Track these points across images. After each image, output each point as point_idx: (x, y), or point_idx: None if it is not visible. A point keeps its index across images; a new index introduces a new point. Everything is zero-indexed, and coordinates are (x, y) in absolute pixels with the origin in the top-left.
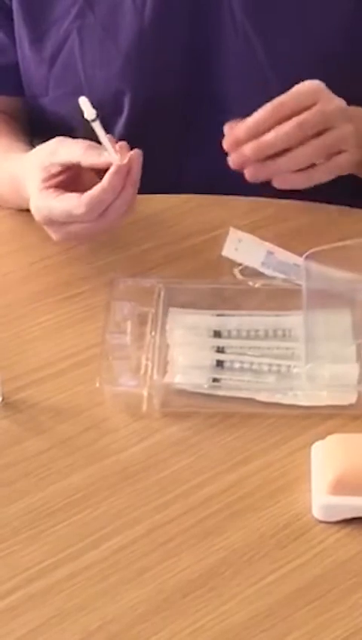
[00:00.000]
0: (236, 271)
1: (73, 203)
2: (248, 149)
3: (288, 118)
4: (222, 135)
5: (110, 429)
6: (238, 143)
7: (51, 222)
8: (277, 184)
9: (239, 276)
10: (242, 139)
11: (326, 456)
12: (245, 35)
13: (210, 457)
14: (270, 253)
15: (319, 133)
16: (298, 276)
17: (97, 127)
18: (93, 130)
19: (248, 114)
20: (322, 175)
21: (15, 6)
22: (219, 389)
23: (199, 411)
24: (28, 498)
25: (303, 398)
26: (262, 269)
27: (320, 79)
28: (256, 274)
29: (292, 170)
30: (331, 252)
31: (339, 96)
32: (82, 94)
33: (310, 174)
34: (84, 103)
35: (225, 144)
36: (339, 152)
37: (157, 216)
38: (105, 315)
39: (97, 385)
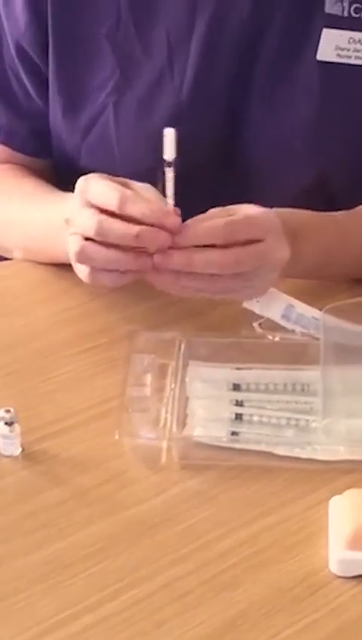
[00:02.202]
0: (255, 324)
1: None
2: (177, 258)
3: (231, 243)
4: (250, 202)
5: (129, 481)
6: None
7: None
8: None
9: (258, 330)
10: (180, 242)
11: (344, 511)
12: (271, 105)
13: (227, 510)
14: (290, 306)
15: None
16: (317, 330)
17: (170, 172)
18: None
19: (277, 183)
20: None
21: (51, 75)
22: (238, 442)
23: (218, 464)
24: (46, 549)
25: (321, 452)
26: (281, 322)
27: (344, 145)
28: (275, 328)
29: (205, 291)
30: (350, 307)
31: (354, 167)
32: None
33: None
34: (169, 137)
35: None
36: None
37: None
38: (125, 367)
39: (117, 437)
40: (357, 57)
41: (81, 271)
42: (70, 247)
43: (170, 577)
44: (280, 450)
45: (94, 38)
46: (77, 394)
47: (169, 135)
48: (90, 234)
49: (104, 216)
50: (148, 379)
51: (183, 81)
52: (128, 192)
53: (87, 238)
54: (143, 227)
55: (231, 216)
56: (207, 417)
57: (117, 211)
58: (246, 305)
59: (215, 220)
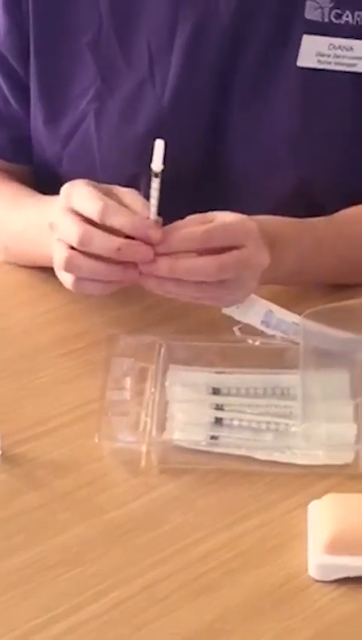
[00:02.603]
0: (236, 329)
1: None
2: (160, 265)
3: (211, 250)
4: (233, 209)
5: (108, 485)
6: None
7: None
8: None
9: (238, 334)
10: (157, 250)
11: (323, 516)
12: (252, 113)
13: (207, 514)
14: (269, 311)
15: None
16: (296, 335)
17: (157, 183)
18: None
19: (259, 190)
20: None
21: (33, 82)
22: (217, 446)
23: (197, 468)
24: (25, 552)
25: (300, 456)
26: (261, 328)
27: (325, 152)
28: (255, 332)
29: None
30: (330, 311)
31: (342, 171)
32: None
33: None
34: (159, 149)
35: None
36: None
37: None
38: (105, 370)
39: (96, 440)
40: (337, 63)
41: (66, 279)
42: (55, 253)
43: (150, 580)
44: (260, 455)
45: (76, 47)
46: (57, 397)
47: (159, 146)
48: (74, 243)
49: (88, 227)
50: (128, 382)
51: (165, 90)
52: (110, 202)
53: (72, 247)
54: (124, 241)
55: (209, 224)
56: (186, 421)
57: (98, 222)
58: (225, 311)
59: (193, 227)
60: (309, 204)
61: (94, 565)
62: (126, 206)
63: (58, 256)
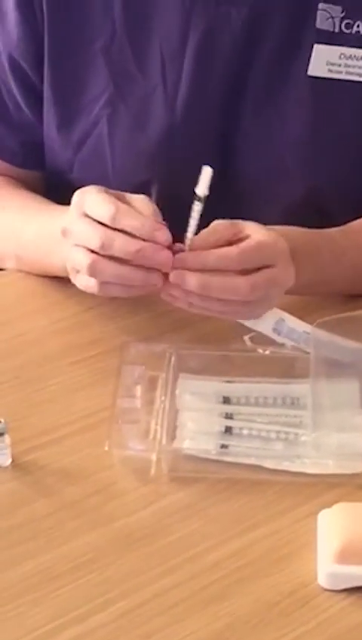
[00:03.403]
0: (246, 338)
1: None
2: (194, 281)
3: (244, 270)
4: (242, 216)
5: (118, 493)
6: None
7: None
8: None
9: (249, 343)
10: (190, 266)
11: (333, 525)
12: (263, 121)
13: (216, 523)
14: (281, 320)
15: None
16: (307, 344)
17: (199, 206)
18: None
19: (268, 197)
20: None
21: (46, 88)
22: (227, 455)
23: (207, 477)
24: (35, 560)
25: (310, 466)
26: (272, 336)
27: (335, 160)
28: (266, 341)
29: (209, 310)
30: (341, 321)
31: (352, 180)
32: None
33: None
34: (206, 175)
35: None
36: None
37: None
38: (116, 378)
39: (106, 448)
40: (347, 72)
41: (89, 283)
42: (74, 258)
43: (159, 589)
44: (270, 464)
45: (89, 52)
46: (67, 405)
47: (206, 172)
48: (95, 246)
49: (108, 230)
50: (139, 391)
51: (177, 96)
52: (122, 205)
53: (92, 251)
54: (144, 243)
55: (243, 244)
56: (196, 430)
57: (110, 225)
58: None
59: (230, 248)
60: (319, 212)
61: (103, 573)
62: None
63: (79, 262)
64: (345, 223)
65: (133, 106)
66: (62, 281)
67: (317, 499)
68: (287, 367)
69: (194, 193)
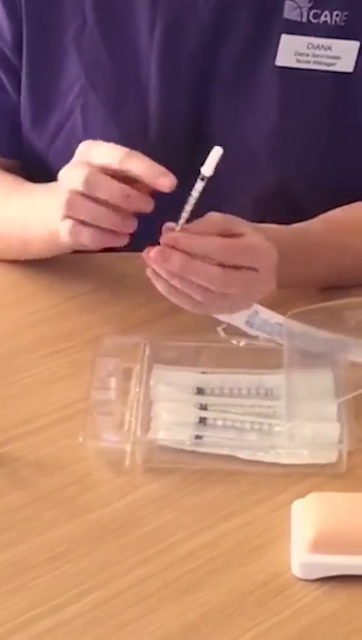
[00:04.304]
0: (219, 329)
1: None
2: (175, 260)
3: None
4: (211, 205)
5: (93, 484)
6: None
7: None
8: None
9: (222, 334)
10: (177, 245)
11: (306, 515)
12: (231, 112)
13: (190, 514)
14: (255, 312)
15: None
16: (280, 336)
17: (201, 185)
18: None
19: (237, 188)
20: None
21: (24, 77)
22: (202, 445)
23: (181, 468)
24: (10, 551)
25: (284, 456)
26: (245, 328)
27: (304, 151)
28: (240, 332)
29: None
30: (313, 312)
31: (321, 171)
32: None
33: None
34: (215, 155)
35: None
36: None
37: (143, 274)
38: (91, 370)
39: (81, 440)
40: (316, 62)
41: (64, 225)
42: (60, 201)
43: (133, 580)
44: (244, 454)
45: (63, 41)
46: (42, 397)
47: (215, 153)
48: (78, 186)
49: (95, 171)
50: (113, 382)
51: (148, 87)
52: (132, 150)
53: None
54: (134, 191)
55: (234, 239)
56: (170, 421)
57: (117, 165)
58: None
59: (217, 238)
60: (288, 203)
61: (78, 564)
62: None
63: (60, 202)
64: (315, 214)
65: (105, 97)
66: (35, 272)
67: (291, 489)
68: (261, 358)
69: (200, 172)
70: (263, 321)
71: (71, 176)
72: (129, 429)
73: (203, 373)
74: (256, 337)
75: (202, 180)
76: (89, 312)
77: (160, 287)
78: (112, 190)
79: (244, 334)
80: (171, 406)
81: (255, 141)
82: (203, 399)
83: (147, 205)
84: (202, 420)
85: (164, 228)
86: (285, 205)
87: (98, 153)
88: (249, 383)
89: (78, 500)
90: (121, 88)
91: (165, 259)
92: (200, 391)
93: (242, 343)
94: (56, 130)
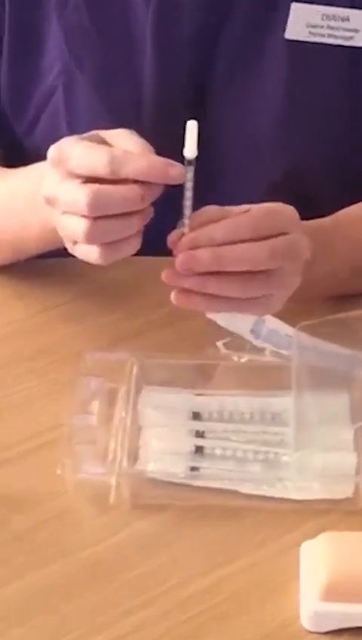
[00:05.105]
0: (219, 344)
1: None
2: (205, 256)
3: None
4: (216, 199)
5: (73, 523)
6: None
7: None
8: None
9: (223, 350)
10: (199, 244)
11: (318, 558)
12: (235, 92)
13: (186, 557)
14: (260, 320)
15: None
16: (289, 349)
17: (190, 171)
18: None
19: (242, 181)
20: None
21: (5, 49)
22: (198, 478)
23: (175, 504)
24: None
25: (293, 490)
26: (250, 338)
27: (315, 137)
28: (242, 347)
29: (229, 294)
30: (328, 324)
31: (335, 158)
32: None
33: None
34: (192, 132)
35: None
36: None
37: (132, 281)
38: (70, 392)
39: (59, 472)
40: (331, 35)
41: (91, 252)
42: (66, 228)
43: (122, 631)
44: (246, 488)
45: (45, 8)
46: (15, 423)
47: (191, 128)
48: (84, 209)
49: (97, 186)
50: (96, 406)
51: (142, 62)
52: (115, 149)
53: (84, 216)
54: (144, 186)
55: (253, 210)
56: (162, 450)
57: (108, 176)
58: (210, 316)
59: (236, 217)
60: (299, 198)
61: (57, 614)
62: None
63: (74, 230)
64: (328, 211)
65: (92, 76)
66: (7, 279)
67: (300, 528)
68: (267, 377)
69: (183, 157)
70: (270, 331)
71: (69, 194)
72: (114, 459)
73: (199, 395)
74: (260, 353)
75: (190, 164)
76: (67, 326)
77: (197, 304)
78: (126, 200)
79: (248, 350)
80: (163, 433)
81: (261, 125)
82: (199, 425)
83: (159, 193)
84: (198, 449)
85: (170, 241)
86: (295, 201)
87: (76, 161)
88: (252, 407)
89: (55, 540)
90: (111, 66)
91: (190, 261)
92: (196, 416)
93: (245, 360)
94: (37, 113)
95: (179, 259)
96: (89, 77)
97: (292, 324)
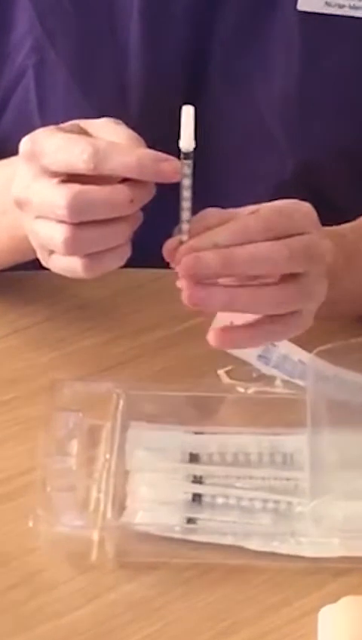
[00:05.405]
0: (221, 372)
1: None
2: (211, 257)
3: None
4: (217, 202)
5: (48, 585)
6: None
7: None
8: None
9: (226, 379)
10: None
11: (339, 625)
12: (239, 74)
13: (182, 625)
14: (271, 344)
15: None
16: (304, 378)
17: (187, 166)
18: None
19: (248, 177)
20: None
21: None
22: (196, 532)
23: (169, 562)
24: None
25: (309, 546)
26: (258, 364)
27: (332, 126)
28: (248, 376)
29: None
30: (348, 349)
31: (354, 151)
32: None
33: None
34: (187, 119)
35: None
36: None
37: (117, 297)
38: (45, 429)
39: (31, 525)
40: (351, 7)
41: (72, 264)
42: (40, 235)
43: None
44: (254, 544)
45: None
46: None
47: (186, 115)
48: (62, 214)
49: (76, 186)
50: (75, 446)
51: (128, 44)
52: (99, 141)
53: (63, 221)
54: (132, 187)
55: (262, 208)
56: (153, 498)
57: (90, 172)
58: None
59: (240, 218)
60: (315, 196)
61: None
62: None
63: (51, 238)
64: (350, 211)
65: (68, 55)
66: None
67: (317, 591)
68: (277, 412)
69: (179, 150)
70: (282, 356)
71: (46, 198)
72: (97, 509)
73: (197, 433)
74: (269, 384)
75: (187, 158)
76: (40, 351)
77: (200, 303)
78: (112, 204)
79: (255, 379)
80: (154, 478)
81: (269, 111)
82: (197, 469)
83: (151, 195)
84: (196, 498)
85: (166, 250)
86: (310, 199)
87: (52, 156)
88: (260, 447)
89: (26, 606)
90: (90, 42)
91: (198, 263)
92: (193, 457)
93: (251, 391)
94: (4, 98)
95: (182, 263)
96: (64, 56)
97: (308, 348)
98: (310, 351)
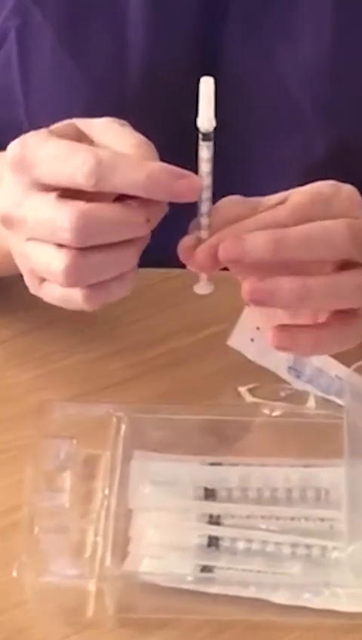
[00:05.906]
0: (243, 390)
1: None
2: (261, 239)
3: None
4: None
5: None
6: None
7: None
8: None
9: (248, 398)
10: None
11: None
12: (261, 43)
13: None
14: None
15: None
16: (340, 396)
17: (207, 148)
18: None
19: (273, 159)
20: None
21: None
22: (212, 583)
23: (179, 619)
24: None
25: (346, 599)
26: (287, 377)
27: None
28: (275, 394)
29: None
30: None
31: None
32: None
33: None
34: (207, 93)
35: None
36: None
37: (115, 304)
38: (32, 460)
39: (14, 574)
40: None
41: (72, 295)
42: (33, 260)
43: None
44: (281, 598)
45: None
46: None
47: (205, 88)
48: (66, 238)
49: (85, 206)
50: (67, 480)
51: (127, 7)
52: (102, 152)
53: (60, 245)
54: (148, 205)
55: (292, 199)
56: (162, 543)
57: (90, 189)
58: (233, 343)
59: (270, 211)
60: (350, 179)
61: None
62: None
63: (48, 265)
64: None
65: (56, 18)
66: None
67: None
68: (309, 438)
69: (197, 130)
70: (316, 370)
71: (44, 219)
72: (93, 555)
73: (213, 464)
74: (300, 403)
75: (205, 139)
76: (26, 367)
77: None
78: (126, 225)
79: (282, 399)
80: (162, 519)
81: (296, 85)
82: (214, 507)
83: (164, 211)
84: (213, 542)
85: (182, 249)
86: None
87: (46, 167)
88: (289, 481)
89: None
90: (83, 9)
91: (242, 247)
92: (209, 493)
93: (278, 413)
94: None
95: (221, 249)
96: (51, 18)
97: (346, 362)
98: (347, 365)
